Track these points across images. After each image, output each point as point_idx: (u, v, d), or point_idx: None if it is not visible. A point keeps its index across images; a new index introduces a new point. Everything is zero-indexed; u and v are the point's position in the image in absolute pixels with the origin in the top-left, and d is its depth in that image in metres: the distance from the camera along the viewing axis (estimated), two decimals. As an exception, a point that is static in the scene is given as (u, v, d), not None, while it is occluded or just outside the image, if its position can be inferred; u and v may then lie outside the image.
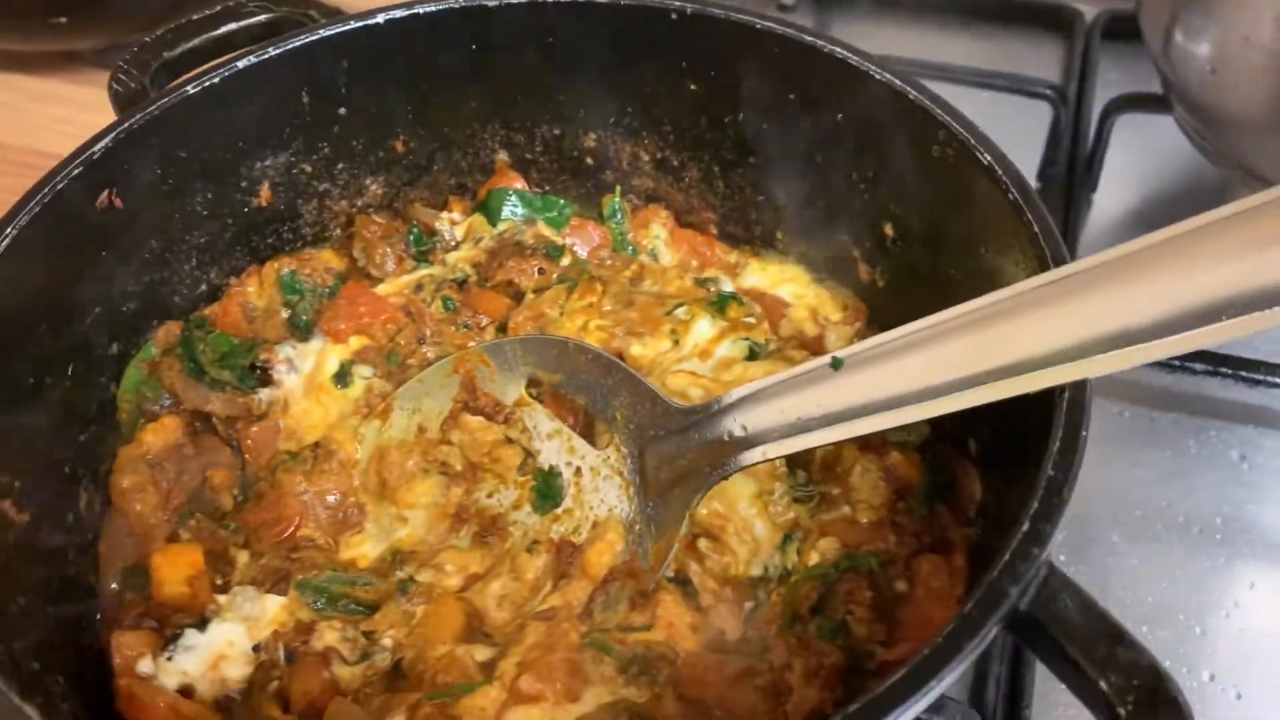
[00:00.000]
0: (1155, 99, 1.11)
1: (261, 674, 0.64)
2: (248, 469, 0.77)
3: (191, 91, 0.77)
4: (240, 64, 0.78)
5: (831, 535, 0.69)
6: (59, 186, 0.70)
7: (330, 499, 0.76)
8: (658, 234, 0.90)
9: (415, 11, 0.82)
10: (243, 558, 0.72)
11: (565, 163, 0.92)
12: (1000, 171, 0.68)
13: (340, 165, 0.88)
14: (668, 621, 0.66)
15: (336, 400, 0.80)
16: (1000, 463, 0.68)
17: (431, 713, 0.60)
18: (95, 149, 0.73)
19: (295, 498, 0.74)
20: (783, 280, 0.87)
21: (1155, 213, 1.19)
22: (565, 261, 0.87)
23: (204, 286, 0.84)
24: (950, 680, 0.48)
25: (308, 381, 0.81)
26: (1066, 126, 1.19)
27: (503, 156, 0.92)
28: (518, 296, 0.86)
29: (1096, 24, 1.34)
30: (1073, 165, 1.18)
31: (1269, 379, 0.89)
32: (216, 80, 0.78)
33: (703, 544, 0.69)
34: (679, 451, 0.69)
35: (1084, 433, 0.55)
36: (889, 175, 0.78)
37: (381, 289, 0.86)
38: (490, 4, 0.83)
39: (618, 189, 0.91)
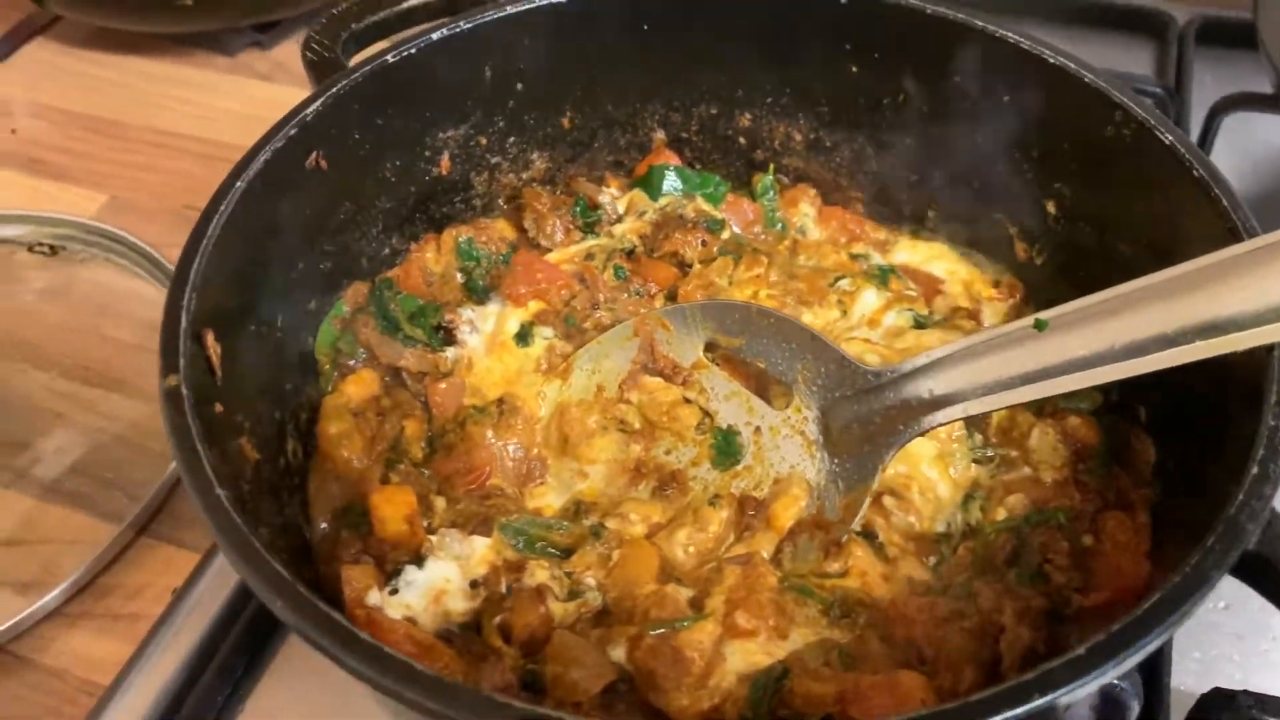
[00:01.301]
0: (1267, 98, 1.15)
1: (490, 606, 0.67)
2: (434, 422, 0.81)
3: (390, 60, 0.80)
4: (435, 35, 0.82)
5: (1018, 492, 0.72)
6: (278, 145, 0.74)
7: (515, 452, 0.79)
8: (806, 211, 0.94)
9: (594, -9, 0.86)
10: (440, 503, 0.75)
11: (718, 141, 0.96)
12: (1184, 151, 0.71)
13: (512, 139, 0.91)
14: (860, 570, 0.70)
15: (518, 359, 0.83)
16: (1176, 426, 0.71)
17: (655, 644, 0.63)
18: (308, 112, 0.76)
19: (485, 448, 0.78)
20: (933, 257, 0.91)
21: (1262, 210, 1.22)
22: (725, 235, 0.91)
23: (386, 250, 0.88)
24: (1197, 610, 0.51)
25: (489, 341, 0.84)
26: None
27: (660, 135, 0.96)
28: (682, 267, 0.89)
29: (1190, 28, 1.38)
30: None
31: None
32: (413, 50, 0.81)
33: (887, 501, 0.73)
34: (870, 411, 0.72)
35: (1299, 386, 0.59)
36: (1056, 155, 0.81)
37: (551, 257, 0.90)
38: (665, -14, 0.87)
39: (771, 167, 0.95)
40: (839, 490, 0.73)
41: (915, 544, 0.72)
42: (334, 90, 0.78)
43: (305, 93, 1.45)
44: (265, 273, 0.74)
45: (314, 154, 0.77)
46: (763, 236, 0.92)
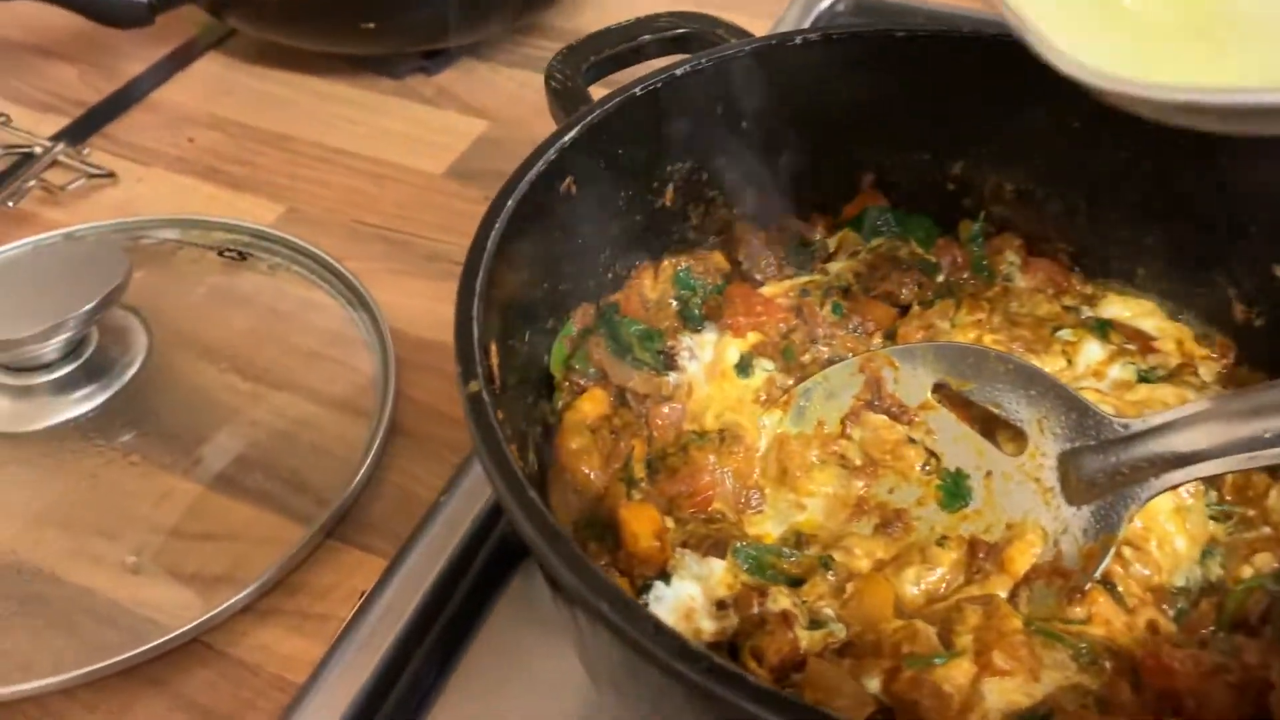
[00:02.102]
0: None
1: (747, 628, 0.68)
2: (654, 444, 0.82)
3: (638, 93, 0.83)
4: (678, 71, 0.85)
5: (1264, 551, 0.72)
6: (540, 169, 0.76)
7: (734, 479, 0.80)
8: (1011, 260, 0.95)
9: (829, 34, 0.88)
10: (668, 523, 0.77)
11: (926, 186, 0.97)
12: None
13: (730, 174, 0.94)
14: (1104, 619, 0.70)
15: (738, 388, 0.85)
16: None
17: (915, 676, 0.64)
18: (565, 139, 0.79)
19: (708, 472, 0.79)
20: (1142, 314, 0.91)
21: None
22: (939, 279, 0.92)
23: (610, 275, 0.90)
24: None
25: (709, 370, 0.86)
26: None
27: (869, 177, 0.98)
28: (897, 307, 0.90)
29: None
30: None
31: None
32: (658, 85, 0.84)
33: (1127, 552, 0.73)
34: (1117, 462, 0.73)
35: None
36: (1288, 220, 0.82)
37: (765, 291, 0.91)
38: (898, 33, 0.89)
39: (981, 215, 0.96)
40: (1078, 539, 0.74)
41: (1155, 595, 0.72)
42: (588, 119, 0.80)
43: (467, 118, 1.51)
44: (523, 290, 0.77)
45: (567, 179, 0.80)
46: (971, 282, 0.94)
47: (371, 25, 1.38)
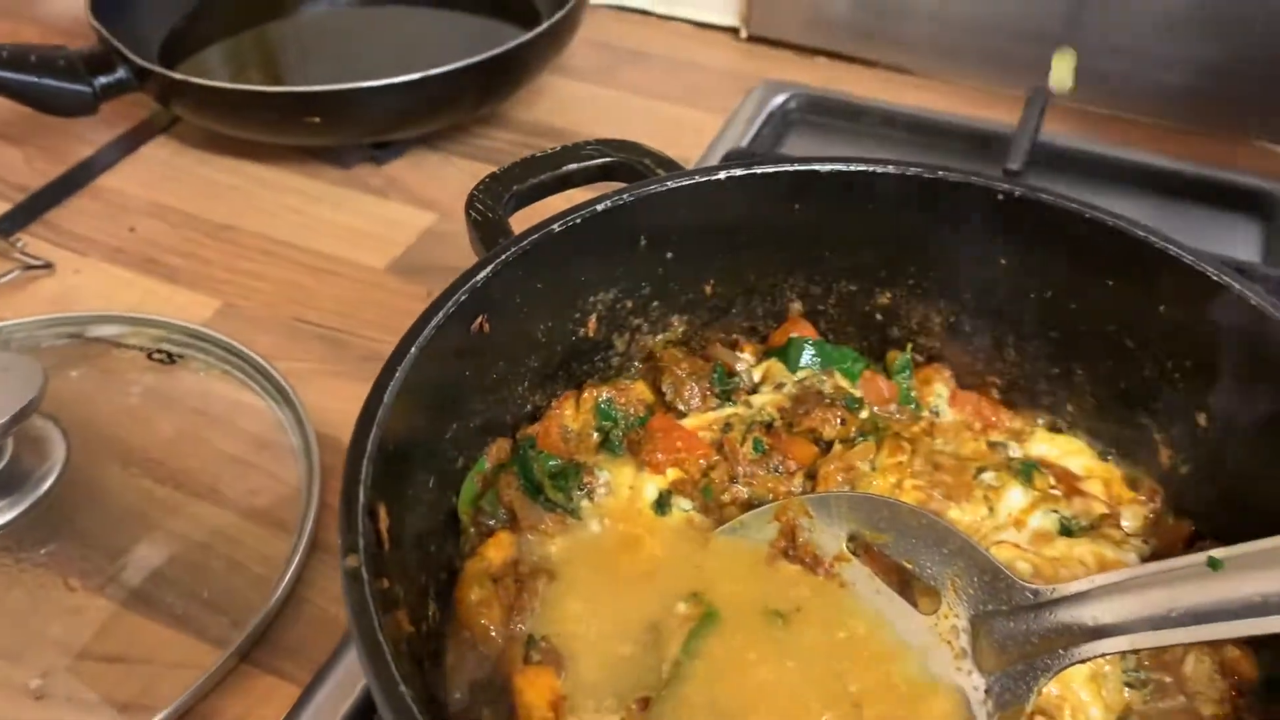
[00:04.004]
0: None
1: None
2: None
3: (556, 229, 0.82)
4: (599, 206, 0.84)
5: (1179, 723, 0.70)
6: (450, 311, 0.75)
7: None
8: (940, 393, 0.94)
9: (754, 171, 0.88)
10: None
11: (854, 316, 0.97)
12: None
13: (655, 303, 0.92)
14: (1013, 795, 0.68)
15: (657, 528, 0.83)
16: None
17: None
18: (478, 278, 0.77)
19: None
20: (1070, 452, 0.90)
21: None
22: (863, 414, 0.90)
23: (529, 407, 0.88)
24: None
25: (626, 506, 0.84)
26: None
27: (797, 305, 0.97)
28: (821, 445, 0.89)
29: (1295, 208, 1.39)
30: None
31: None
32: (578, 220, 0.83)
33: (1039, 720, 0.71)
34: (1027, 630, 0.71)
35: None
36: (1211, 370, 0.81)
37: (687, 423, 0.90)
38: (822, 169, 0.89)
39: (909, 347, 0.95)
40: (988, 708, 0.71)
41: (1067, 768, 0.70)
42: (503, 257, 0.79)
43: (415, 210, 1.50)
44: (426, 436, 0.75)
45: (480, 318, 0.78)
46: (897, 416, 0.92)
47: (317, 120, 1.37)
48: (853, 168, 0.88)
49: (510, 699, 0.70)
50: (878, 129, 1.58)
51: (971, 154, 1.51)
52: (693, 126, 1.62)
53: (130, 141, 1.58)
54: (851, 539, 0.81)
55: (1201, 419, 0.83)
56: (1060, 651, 0.69)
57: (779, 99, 1.60)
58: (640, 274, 0.90)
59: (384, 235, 1.44)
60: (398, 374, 0.69)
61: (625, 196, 0.84)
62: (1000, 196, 0.86)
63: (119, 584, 1.01)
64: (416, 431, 0.73)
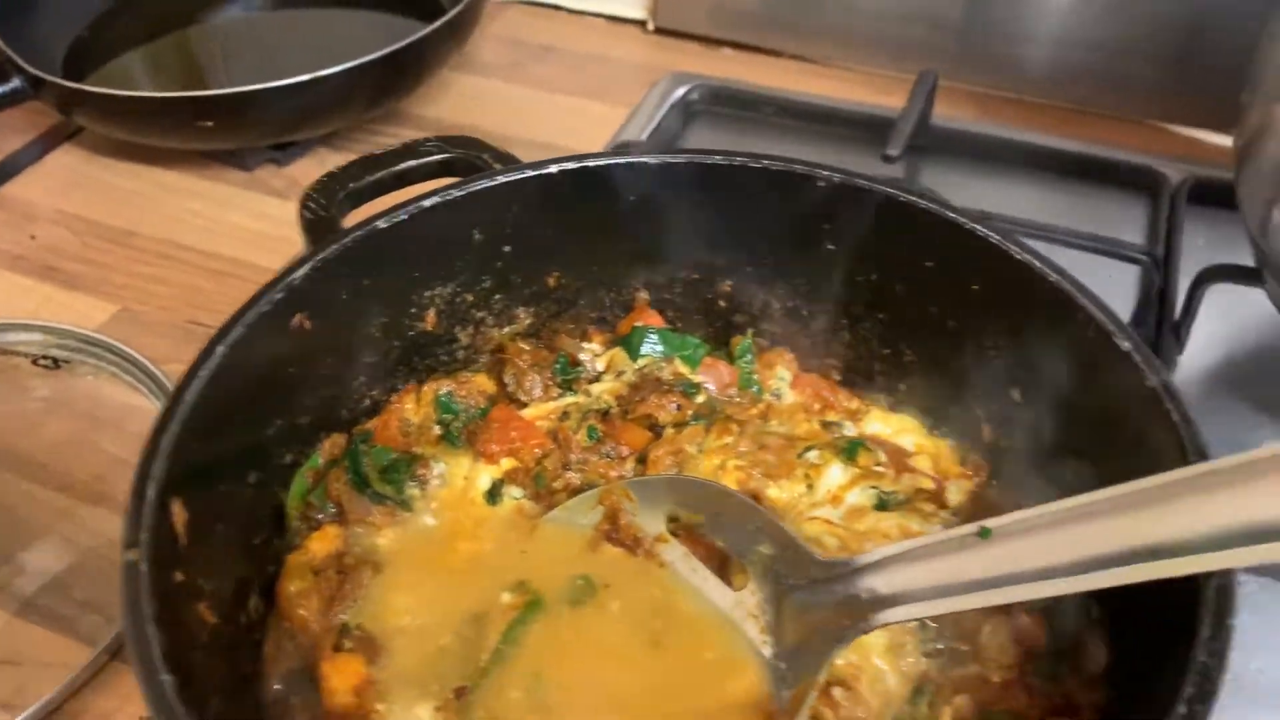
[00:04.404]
0: (1248, 271, 1.17)
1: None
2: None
3: (382, 226, 0.84)
4: (426, 202, 0.85)
5: (965, 692, 0.72)
6: (262, 310, 0.77)
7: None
8: (782, 376, 0.96)
9: (585, 165, 0.89)
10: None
11: (699, 304, 0.99)
12: (1139, 359, 0.73)
13: (498, 296, 0.94)
14: (805, 763, 0.70)
15: (487, 517, 0.85)
16: (1128, 632, 0.71)
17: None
18: (295, 276, 0.79)
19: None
20: (903, 430, 0.92)
21: (1241, 380, 1.23)
22: (700, 399, 0.92)
23: (367, 402, 0.90)
24: None
25: (459, 497, 0.86)
26: (1156, 290, 1.24)
27: (643, 295, 0.98)
28: (656, 430, 0.91)
29: (1182, 188, 1.41)
30: (1160, 327, 1.22)
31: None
32: (404, 217, 0.84)
33: (836, 692, 0.73)
34: (820, 602, 0.73)
35: (1230, 620, 0.59)
36: (1020, 346, 0.83)
37: (527, 413, 0.92)
38: (651, 161, 0.90)
39: (750, 332, 0.97)
40: (787, 680, 0.74)
41: (863, 737, 0.72)
42: (322, 255, 0.81)
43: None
44: (241, 434, 0.76)
45: (299, 316, 0.80)
46: (738, 399, 0.94)
47: (210, 123, 1.38)
48: (679, 159, 0.90)
49: (318, 686, 0.72)
50: (776, 118, 1.59)
51: (867, 140, 1.52)
52: (598, 120, 1.63)
53: (37, 149, 1.60)
54: (672, 520, 0.83)
55: (1015, 394, 0.85)
56: (848, 623, 0.71)
57: (681, 91, 1.62)
58: (478, 268, 0.91)
59: (285, 237, 1.44)
60: (200, 374, 0.71)
61: (453, 192, 0.86)
62: (821, 184, 0.88)
63: (4, 592, 1.03)
64: (230, 429, 0.75)
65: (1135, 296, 1.27)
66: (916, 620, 0.72)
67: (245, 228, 1.47)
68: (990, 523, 0.67)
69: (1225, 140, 1.52)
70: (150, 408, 1.21)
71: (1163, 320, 1.23)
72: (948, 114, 1.54)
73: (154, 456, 0.66)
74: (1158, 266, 1.25)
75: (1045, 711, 0.71)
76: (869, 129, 1.53)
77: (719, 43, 1.80)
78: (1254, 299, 1.19)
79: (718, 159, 0.90)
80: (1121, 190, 1.48)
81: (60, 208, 1.50)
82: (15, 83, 1.43)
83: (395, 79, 1.51)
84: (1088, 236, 1.31)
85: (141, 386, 1.23)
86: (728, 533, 0.79)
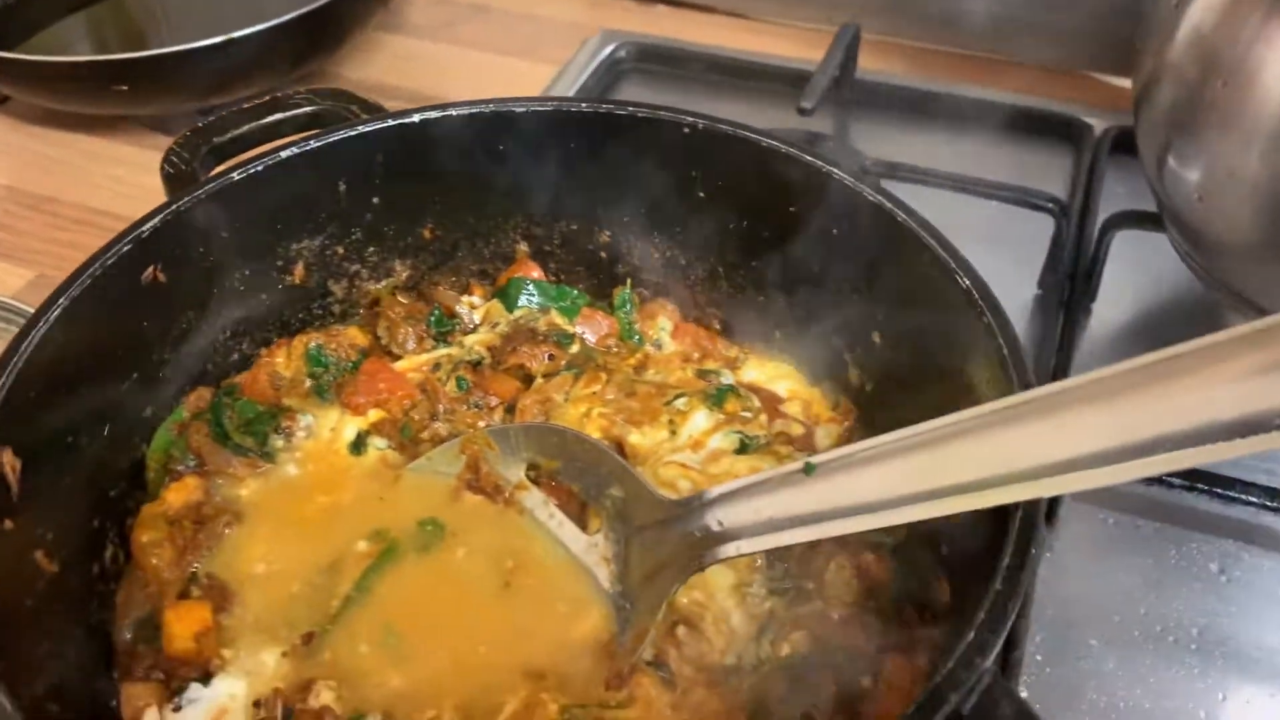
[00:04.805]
0: (1151, 217, 1.16)
1: (268, 727, 0.68)
2: (258, 529, 0.82)
3: (236, 178, 0.83)
4: (283, 154, 0.85)
5: (803, 628, 0.72)
6: (109, 261, 0.77)
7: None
8: (663, 326, 0.96)
9: (449, 113, 0.89)
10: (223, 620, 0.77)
11: (581, 255, 0.98)
12: (977, 296, 0.72)
13: (371, 248, 0.94)
14: (646, 701, 0.70)
15: (347, 467, 0.85)
16: (964, 570, 0.71)
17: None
18: (144, 228, 0.79)
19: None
20: (779, 376, 0.92)
21: (1151, 327, 1.23)
22: (574, 349, 0.92)
23: (235, 355, 0.90)
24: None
25: (324, 448, 0.86)
26: (1068, 238, 1.24)
27: (523, 247, 0.98)
28: (528, 380, 0.91)
29: (1105, 138, 1.40)
30: (1073, 276, 1.22)
31: (1243, 496, 0.92)
32: (260, 169, 0.84)
33: (680, 631, 0.73)
34: (661, 542, 0.73)
35: (1033, 550, 0.59)
36: (878, 288, 0.83)
37: (400, 365, 0.92)
38: (518, 110, 0.90)
39: (629, 282, 0.97)
40: (631, 620, 0.74)
41: (707, 675, 0.73)
42: (173, 208, 0.80)
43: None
44: (90, 386, 0.76)
45: (151, 268, 0.80)
46: (616, 349, 0.94)
47: (125, 87, 1.38)
48: (545, 107, 0.89)
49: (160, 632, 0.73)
50: (704, 75, 1.58)
51: (792, 95, 1.51)
52: (529, 79, 1.62)
53: (-39, 120, 1.59)
54: (532, 468, 0.83)
55: (876, 337, 0.85)
56: (686, 561, 0.71)
57: (609, 48, 1.61)
58: (347, 220, 0.91)
59: None
60: (39, 326, 0.71)
61: (312, 143, 0.85)
62: (686, 130, 0.87)
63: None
64: (76, 381, 0.75)
65: (1049, 245, 1.26)
66: (748, 555, 0.72)
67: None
68: (815, 459, 0.67)
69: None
70: (61, 372, 1.21)
71: (1076, 271, 1.22)
72: (877, 68, 1.53)
73: (-19, 406, 0.66)
74: (1067, 215, 1.24)
75: (882, 647, 0.71)
76: (794, 84, 1.51)
77: (651, 0, 1.78)
78: (1165, 248, 1.18)
79: (583, 107, 0.89)
80: (1046, 142, 1.47)
81: (-18, 176, 1.50)
82: (-70, 50, 1.42)
83: (316, 39, 1.50)
84: (1004, 187, 1.30)
85: (53, 351, 1.23)
86: (582, 478, 0.79)
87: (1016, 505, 0.61)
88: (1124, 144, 1.38)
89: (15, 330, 1.21)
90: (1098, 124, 1.43)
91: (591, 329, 0.95)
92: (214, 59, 1.39)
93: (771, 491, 0.68)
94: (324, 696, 0.70)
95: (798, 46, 1.65)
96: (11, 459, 0.67)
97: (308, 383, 0.90)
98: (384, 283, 0.96)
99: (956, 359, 0.74)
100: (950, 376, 0.75)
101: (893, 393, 0.84)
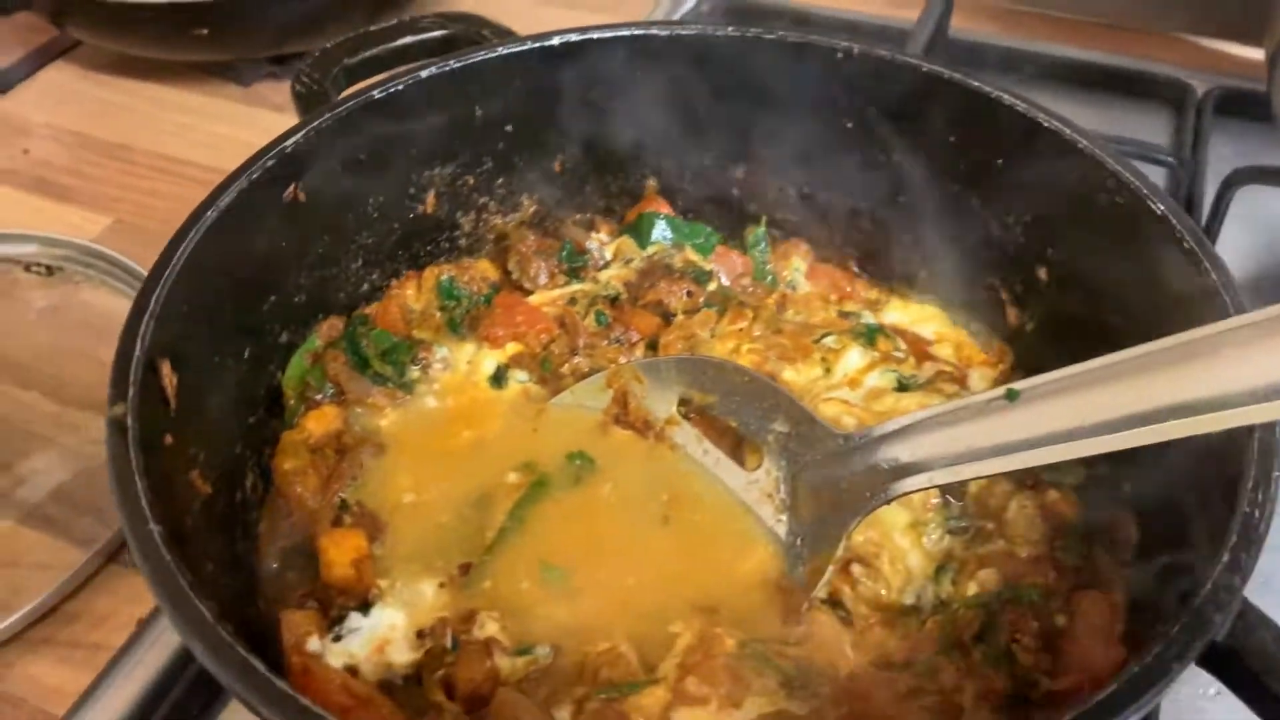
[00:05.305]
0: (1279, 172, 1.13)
1: (432, 659, 0.65)
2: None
3: (376, 95, 0.80)
4: (423, 73, 0.82)
5: (991, 567, 0.69)
6: (254, 175, 0.73)
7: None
8: (797, 267, 0.92)
9: (589, 36, 0.85)
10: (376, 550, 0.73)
11: (712, 192, 0.95)
12: (1175, 221, 0.69)
13: (500, 180, 0.91)
14: (823, 640, 0.67)
15: (492, 401, 0.82)
16: (1159, 505, 0.68)
17: (599, 708, 0.61)
18: (288, 144, 0.76)
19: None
20: (923, 318, 0.89)
21: (1271, 283, 1.19)
22: (711, 286, 0.89)
23: (366, 286, 0.87)
24: (1155, 702, 0.48)
25: (463, 381, 0.83)
26: (1183, 194, 1.20)
27: (652, 182, 0.95)
28: (666, 317, 0.87)
29: (1209, 98, 1.36)
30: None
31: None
32: (400, 87, 0.81)
33: (856, 569, 0.70)
34: (839, 476, 0.70)
35: (1276, 472, 0.56)
36: (1048, 220, 0.79)
37: (533, 300, 0.88)
38: (660, 33, 0.86)
39: (763, 220, 0.94)
40: (804, 556, 0.71)
41: (883, 615, 0.69)
42: (316, 124, 0.77)
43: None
44: (234, 304, 0.73)
45: (292, 186, 0.76)
46: (751, 289, 0.91)
47: (205, 31, 1.34)
48: (689, 31, 0.86)
49: (316, 560, 0.69)
50: (792, 28, 1.54)
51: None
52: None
53: (29, 65, 1.56)
54: (683, 402, 0.80)
55: (1042, 273, 0.81)
56: (867, 495, 0.68)
57: (690, 3, 1.57)
58: (479, 148, 0.88)
59: None
60: (191, 234, 0.68)
61: (451, 63, 0.82)
62: (839, 55, 0.84)
63: (4, 498, 1.00)
64: (221, 298, 0.72)
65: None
66: (939, 487, 0.68)
67: (243, 141, 1.39)
68: (1019, 385, 0.64)
69: (1252, 52, 1.48)
70: (146, 317, 1.18)
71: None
72: (969, 28, 1.49)
73: (142, 313, 0.63)
74: (1180, 168, 1.21)
75: (1074, 586, 0.68)
76: (887, 40, 1.48)
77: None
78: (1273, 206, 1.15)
79: (730, 30, 0.86)
80: (1146, 102, 1.43)
81: (53, 122, 1.46)
82: (8, -11, 1.39)
83: (394, -13, 1.46)
84: (1117, 140, 1.26)
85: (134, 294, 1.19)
86: (741, 413, 0.76)
87: (1252, 428, 0.57)
88: (1226, 107, 1.35)
89: (96, 276, 1.20)
90: (1199, 85, 1.40)
91: (725, 269, 0.91)
92: (293, 3, 1.36)
93: (969, 420, 0.65)
94: (489, 628, 0.67)
95: (883, 5, 1.62)
96: (169, 372, 0.64)
97: (438, 315, 0.87)
98: (511, 217, 0.93)
99: (1147, 288, 0.71)
100: (1137, 307, 0.72)
101: (1059, 330, 0.80)
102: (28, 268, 1.20)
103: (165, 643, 0.85)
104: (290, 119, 1.46)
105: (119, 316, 1.15)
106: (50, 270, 1.20)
